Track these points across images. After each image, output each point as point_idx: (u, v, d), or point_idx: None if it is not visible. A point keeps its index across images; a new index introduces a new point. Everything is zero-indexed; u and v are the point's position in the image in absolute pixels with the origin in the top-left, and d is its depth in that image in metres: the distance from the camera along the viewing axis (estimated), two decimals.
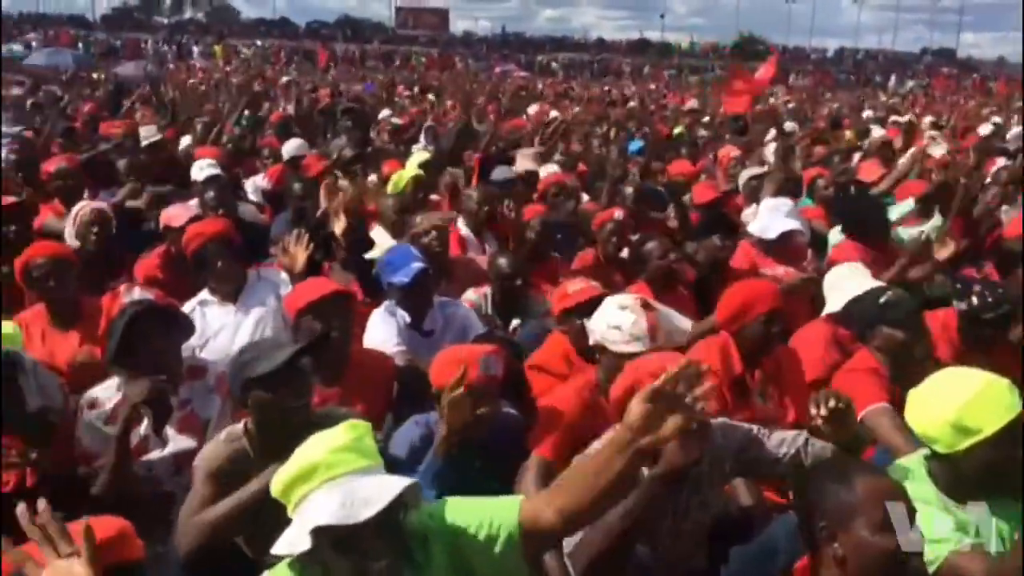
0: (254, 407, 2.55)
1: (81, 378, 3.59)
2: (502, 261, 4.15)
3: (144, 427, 2.94)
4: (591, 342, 3.12)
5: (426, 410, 2.99)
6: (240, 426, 2.64)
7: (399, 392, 3.34)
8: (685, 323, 3.22)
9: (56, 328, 3.74)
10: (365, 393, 3.16)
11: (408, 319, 3.70)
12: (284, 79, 19.97)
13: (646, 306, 3.04)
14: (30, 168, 6.07)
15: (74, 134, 7.92)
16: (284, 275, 4.03)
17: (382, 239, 4.78)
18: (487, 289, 4.27)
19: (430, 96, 16.87)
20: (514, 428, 3.00)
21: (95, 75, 19.96)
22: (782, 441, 2.57)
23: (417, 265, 3.64)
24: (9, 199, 4.66)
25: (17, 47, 30.99)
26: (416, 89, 20.39)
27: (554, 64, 43.02)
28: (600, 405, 2.95)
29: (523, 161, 7.40)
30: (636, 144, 8.55)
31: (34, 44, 32.54)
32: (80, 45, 36.27)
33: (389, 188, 5.95)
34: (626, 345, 2.94)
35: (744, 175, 6.65)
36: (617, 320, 2.99)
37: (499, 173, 6.53)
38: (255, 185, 6.97)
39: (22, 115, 10.23)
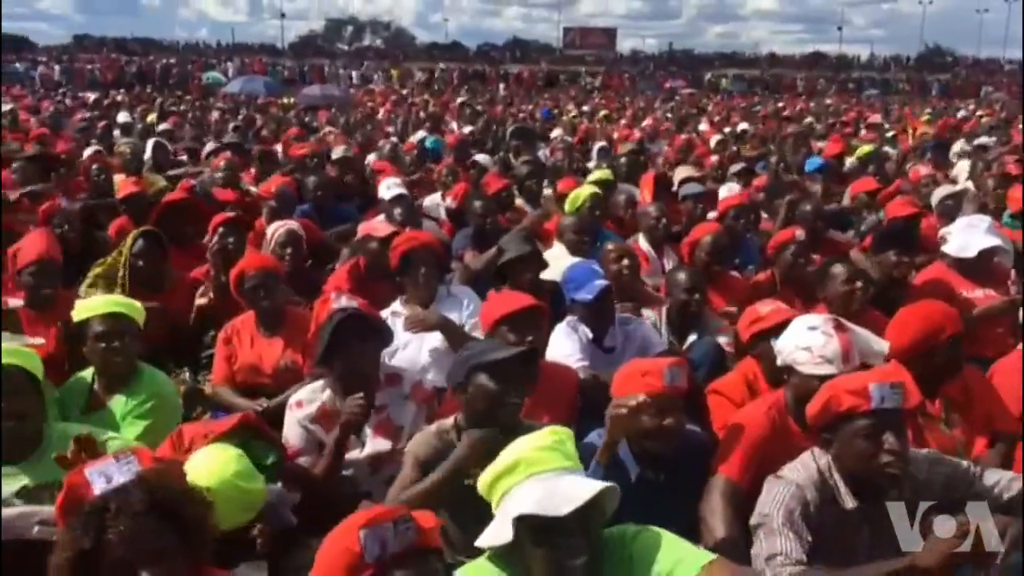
0: (475, 394, 2.68)
1: (284, 381, 3.90)
2: (680, 275, 4.13)
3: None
4: (779, 363, 3.05)
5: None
6: (451, 420, 2.80)
7: (581, 406, 3.39)
8: (881, 345, 3.07)
9: (263, 334, 4.04)
10: (551, 405, 3.23)
11: (590, 335, 3.75)
12: (458, 100, 20.66)
13: (839, 327, 2.94)
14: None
15: (272, 156, 8.49)
16: (470, 295, 4.20)
17: (561, 257, 4.86)
18: (662, 307, 4.26)
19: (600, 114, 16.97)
20: (699, 445, 2.97)
21: (283, 99, 21.35)
22: (996, 482, 2.43)
23: (600, 282, 3.69)
24: (226, 214, 5.07)
25: (216, 75, 33.53)
26: (585, 108, 20.59)
27: (724, 80, 42.18)
28: (788, 427, 2.88)
29: (682, 174, 7.37)
30: (815, 162, 8.26)
31: (231, 72, 35.10)
32: (269, 72, 38.76)
33: (566, 206, 6.05)
34: (815, 367, 2.85)
35: (938, 194, 6.30)
36: (806, 341, 2.90)
37: (689, 188, 6.50)
38: (433, 202, 7.25)
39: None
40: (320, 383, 3.24)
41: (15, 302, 3.65)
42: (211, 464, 2.56)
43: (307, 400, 3.20)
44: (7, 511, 2.49)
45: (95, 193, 6.64)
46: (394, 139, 11.02)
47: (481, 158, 8.03)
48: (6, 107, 15.56)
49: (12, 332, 3.33)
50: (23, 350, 2.76)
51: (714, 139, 11.15)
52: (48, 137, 9.69)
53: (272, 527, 2.70)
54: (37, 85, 27.45)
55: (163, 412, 3.28)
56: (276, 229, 4.96)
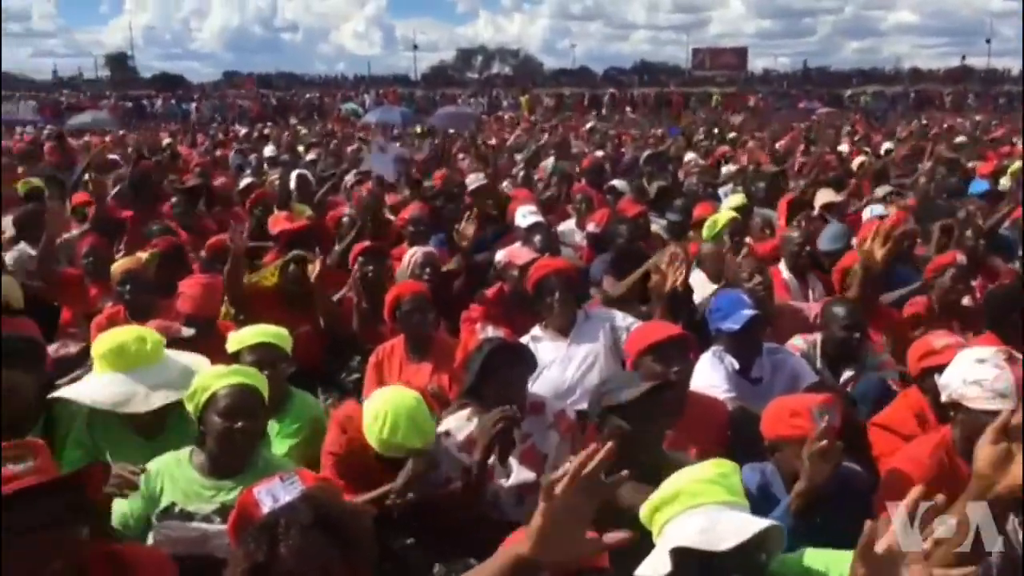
0: (610, 435, 2.68)
1: (431, 407, 3.98)
2: (838, 310, 3.96)
3: (491, 457, 3.17)
4: (943, 398, 2.89)
5: (757, 457, 2.94)
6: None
7: (731, 439, 3.31)
8: None
9: (411, 359, 4.15)
10: (698, 436, 3.17)
11: (736, 365, 3.66)
12: (587, 125, 20.70)
13: (1011, 359, 2.76)
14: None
15: (418, 184, 8.72)
16: (615, 313, 4.19)
17: (702, 284, 4.78)
18: (817, 337, 4.11)
19: (730, 136, 16.59)
20: (858, 485, 2.84)
21: (417, 128, 21.90)
22: None
23: (748, 312, 3.60)
24: (364, 242, 5.24)
25: (353, 106, 34.79)
26: (716, 130, 20.22)
27: (864, 98, 40.57)
28: (957, 467, 2.71)
29: (824, 199, 7.12)
30: (981, 184, 7.79)
31: (368, 103, 36.40)
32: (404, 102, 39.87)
33: (704, 232, 5.95)
34: (988, 402, 2.68)
35: None
36: (976, 375, 2.74)
37: (830, 237, 6.18)
38: (568, 227, 7.26)
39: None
40: (467, 411, 3.28)
41: (187, 331, 3.90)
42: (393, 391, 2.98)
43: (455, 429, 3.25)
44: (210, 527, 2.65)
45: (256, 229, 6.97)
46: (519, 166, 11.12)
47: (618, 183, 8.03)
48: (165, 141, 16.67)
49: None
50: (257, 373, 2.93)
51: (857, 160, 10.71)
52: (208, 168, 10.32)
53: (428, 472, 2.92)
54: (192, 121, 29.27)
55: (312, 432, 3.46)
56: (414, 253, 5.10)
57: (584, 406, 3.60)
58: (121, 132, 20.40)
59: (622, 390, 2.73)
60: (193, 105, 33.25)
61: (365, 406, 2.91)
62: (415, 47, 74.08)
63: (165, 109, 33.14)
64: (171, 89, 46.56)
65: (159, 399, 3.02)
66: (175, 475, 2.76)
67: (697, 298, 4.52)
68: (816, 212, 6.95)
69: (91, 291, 5.24)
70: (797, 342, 4.09)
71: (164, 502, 2.71)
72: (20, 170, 10.93)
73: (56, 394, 3.20)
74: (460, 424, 3.25)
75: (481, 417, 3.10)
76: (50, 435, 3.21)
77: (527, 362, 3.31)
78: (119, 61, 66.84)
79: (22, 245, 6.05)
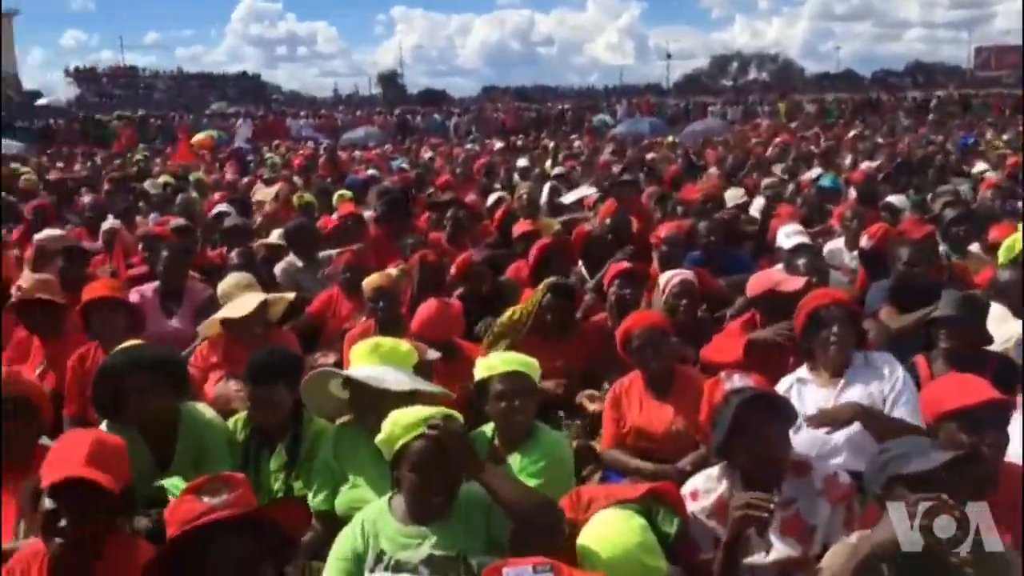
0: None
1: (675, 447, 3.68)
2: None
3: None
4: None
5: None
6: (869, 532, 2.35)
7: None
8: None
9: (652, 397, 3.84)
10: (1013, 518, 2.58)
11: None
12: (851, 133, 19.31)
13: None
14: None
15: (666, 198, 8.37)
16: (888, 357, 3.65)
17: (1001, 320, 4.08)
18: None
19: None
20: None
21: (669, 138, 21.47)
22: None
23: None
24: (622, 264, 5.03)
25: (604, 117, 34.98)
26: (1006, 136, 18.05)
27: None
28: None
29: None
30: None
31: (619, 114, 36.42)
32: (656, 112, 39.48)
33: (1001, 255, 5.18)
34: None
35: None
36: None
37: None
38: (836, 247, 6.60)
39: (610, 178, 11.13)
40: (717, 470, 2.92)
41: (433, 354, 3.87)
42: (614, 532, 2.47)
43: (703, 490, 2.90)
44: None
45: (500, 241, 6.99)
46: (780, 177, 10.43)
47: (895, 199, 7.20)
48: (426, 155, 17.50)
49: (425, 380, 3.49)
50: (447, 412, 2.78)
51: None
52: (457, 184, 10.61)
53: None
54: (452, 134, 30.72)
55: (556, 472, 3.24)
56: (670, 279, 4.75)
57: (856, 466, 3.11)
58: (387, 146, 21.74)
59: (914, 457, 2.29)
60: (453, 120, 34.85)
61: (579, 543, 2.44)
62: (668, 56, 72.85)
63: (426, 123, 34.98)
64: (435, 104, 49.34)
65: (408, 384, 3.24)
66: (379, 525, 2.69)
67: (996, 337, 3.86)
68: None
69: (345, 306, 5.40)
70: None
71: (375, 551, 2.65)
72: (298, 182, 11.87)
73: (315, 371, 3.51)
74: (709, 485, 2.90)
75: (734, 483, 2.74)
76: (296, 448, 3.46)
77: (786, 416, 2.85)
78: (390, 79, 72.24)
79: (291, 257, 6.41)
